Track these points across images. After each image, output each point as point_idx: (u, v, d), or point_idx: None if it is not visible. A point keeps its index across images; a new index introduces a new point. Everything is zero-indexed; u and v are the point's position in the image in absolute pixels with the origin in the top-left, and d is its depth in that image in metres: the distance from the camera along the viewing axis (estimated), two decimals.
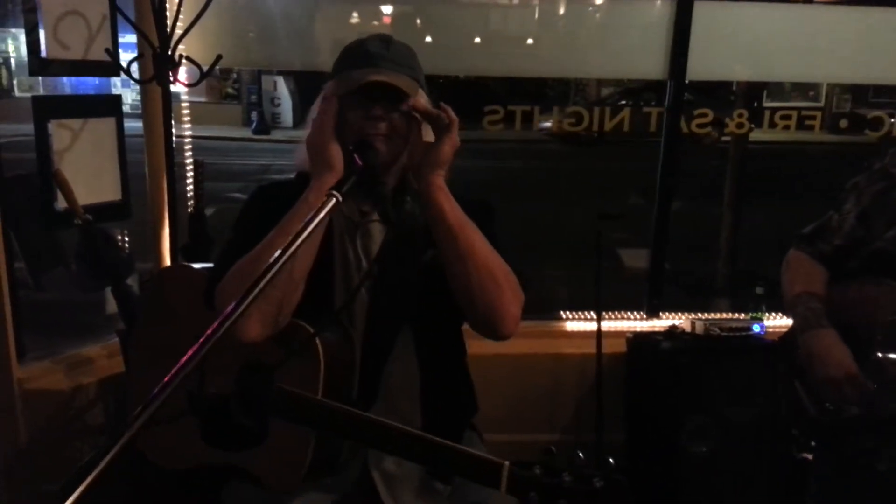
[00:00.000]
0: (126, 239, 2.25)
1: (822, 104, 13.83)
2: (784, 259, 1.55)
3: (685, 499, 2.13)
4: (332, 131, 1.21)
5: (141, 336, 1.48)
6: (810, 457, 1.71)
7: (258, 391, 1.16)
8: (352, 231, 1.30)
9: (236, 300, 0.86)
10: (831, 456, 1.44)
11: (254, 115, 14.78)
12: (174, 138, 2.11)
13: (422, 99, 1.26)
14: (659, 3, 2.46)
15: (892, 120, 2.68)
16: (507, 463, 1.01)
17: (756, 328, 2.24)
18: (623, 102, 9.19)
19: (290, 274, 1.14)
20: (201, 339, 0.81)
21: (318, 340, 1.17)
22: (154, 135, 2.19)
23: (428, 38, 2.43)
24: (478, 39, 2.50)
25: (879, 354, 1.32)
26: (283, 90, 15.42)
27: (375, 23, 2.54)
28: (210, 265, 1.40)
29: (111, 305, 2.40)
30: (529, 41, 2.61)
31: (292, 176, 1.37)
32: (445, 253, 1.20)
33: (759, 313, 2.51)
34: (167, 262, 2.31)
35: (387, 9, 2.53)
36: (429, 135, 1.26)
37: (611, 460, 1.00)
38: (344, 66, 1.28)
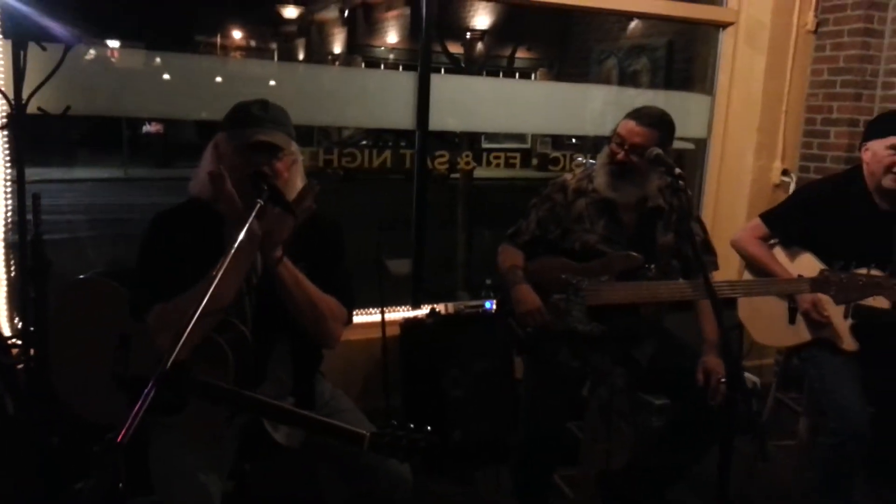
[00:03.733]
0: None
1: (528, 146, 16.41)
2: (499, 249, 2.44)
3: (449, 430, 2.94)
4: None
5: (60, 335, 1.86)
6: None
7: (180, 380, 1.45)
8: None
9: (173, 331, 1.21)
10: (531, 359, 2.34)
11: None
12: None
13: (288, 158, 1.70)
14: (407, 73, 3.33)
15: (570, 158, 3.87)
16: (367, 434, 1.47)
17: (487, 304, 3.19)
18: (364, 142, 10.12)
19: (219, 306, 1.50)
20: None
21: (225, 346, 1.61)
22: None
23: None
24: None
25: (555, 297, 2.24)
26: None
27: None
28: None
29: None
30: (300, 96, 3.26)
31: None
32: (285, 300, 1.69)
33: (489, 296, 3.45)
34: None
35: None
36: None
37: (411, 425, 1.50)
38: (233, 124, 1.69)
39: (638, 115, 2.15)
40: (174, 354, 1.18)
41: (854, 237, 2.35)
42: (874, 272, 2.21)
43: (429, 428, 1.53)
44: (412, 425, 1.52)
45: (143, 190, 10.71)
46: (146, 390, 1.13)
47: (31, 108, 2.28)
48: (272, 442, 1.77)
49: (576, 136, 5.56)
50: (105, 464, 1.01)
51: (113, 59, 3.01)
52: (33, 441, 2.28)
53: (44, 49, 2.25)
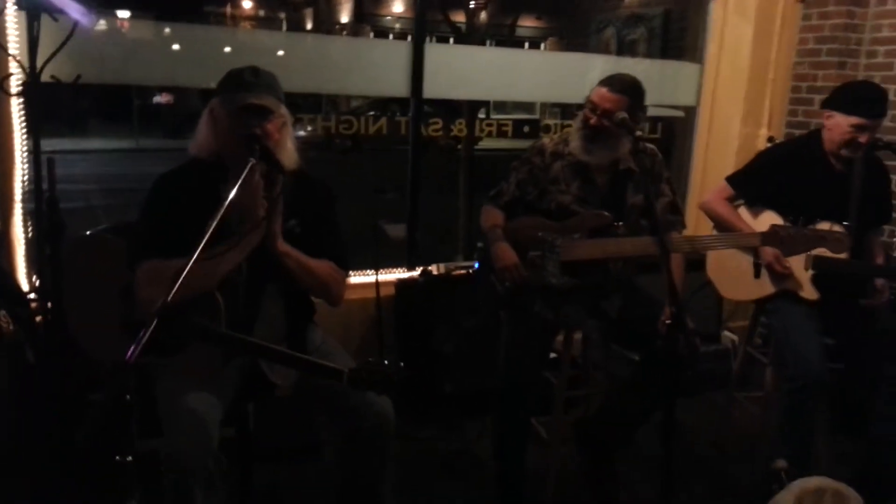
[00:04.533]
0: None
1: (537, 116, 16.43)
2: (481, 209, 2.59)
3: (439, 383, 3.12)
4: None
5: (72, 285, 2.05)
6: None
7: (181, 323, 1.67)
8: None
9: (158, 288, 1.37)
10: (510, 312, 2.50)
11: None
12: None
13: (278, 121, 1.85)
14: (402, 42, 3.45)
15: (560, 127, 3.99)
16: (346, 370, 1.67)
17: (476, 265, 3.34)
18: (372, 113, 10.22)
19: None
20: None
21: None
22: (3, 139, 2.67)
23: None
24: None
25: (531, 253, 2.40)
26: None
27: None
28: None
29: None
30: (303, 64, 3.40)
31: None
32: (291, 279, 1.89)
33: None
34: (17, 243, 2.79)
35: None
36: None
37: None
38: (226, 89, 1.84)
39: (609, 81, 2.28)
40: (173, 291, 1.35)
41: (811, 195, 2.49)
42: (821, 225, 2.36)
43: (402, 364, 1.71)
44: (386, 361, 1.70)
45: (154, 160, 10.91)
46: (149, 323, 1.31)
47: (45, 77, 2.44)
48: (268, 382, 1.95)
49: (573, 104, 5.67)
50: (115, 379, 1.19)
51: (123, 30, 3.14)
52: (52, 387, 2.49)
53: (55, 20, 2.41)
